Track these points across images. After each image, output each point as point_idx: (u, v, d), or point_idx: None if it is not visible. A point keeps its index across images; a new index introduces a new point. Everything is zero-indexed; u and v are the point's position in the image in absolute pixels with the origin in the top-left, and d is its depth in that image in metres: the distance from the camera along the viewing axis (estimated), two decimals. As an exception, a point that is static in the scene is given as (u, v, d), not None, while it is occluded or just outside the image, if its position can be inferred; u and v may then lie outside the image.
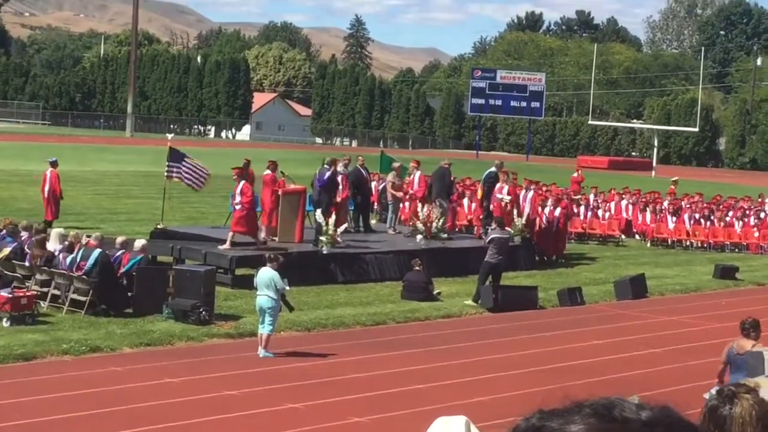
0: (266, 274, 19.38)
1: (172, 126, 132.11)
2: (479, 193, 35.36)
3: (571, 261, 35.42)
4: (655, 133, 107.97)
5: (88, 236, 23.90)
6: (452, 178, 35.27)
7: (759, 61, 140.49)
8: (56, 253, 23.36)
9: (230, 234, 27.06)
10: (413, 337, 22.16)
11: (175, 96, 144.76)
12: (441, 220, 31.72)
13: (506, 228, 28.18)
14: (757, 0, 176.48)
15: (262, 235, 29.20)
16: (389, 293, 26.76)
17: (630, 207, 44.23)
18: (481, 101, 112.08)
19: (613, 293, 29.05)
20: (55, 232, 24.98)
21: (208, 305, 22.07)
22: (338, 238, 28.28)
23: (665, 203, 44.53)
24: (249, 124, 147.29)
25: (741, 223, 42.60)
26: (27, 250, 23.83)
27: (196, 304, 21.74)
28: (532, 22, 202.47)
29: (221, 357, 19.35)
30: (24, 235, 24.73)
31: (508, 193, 32.99)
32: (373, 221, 34.34)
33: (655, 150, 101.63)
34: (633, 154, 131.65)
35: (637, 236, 43.27)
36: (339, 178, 30.30)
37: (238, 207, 27.16)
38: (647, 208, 43.70)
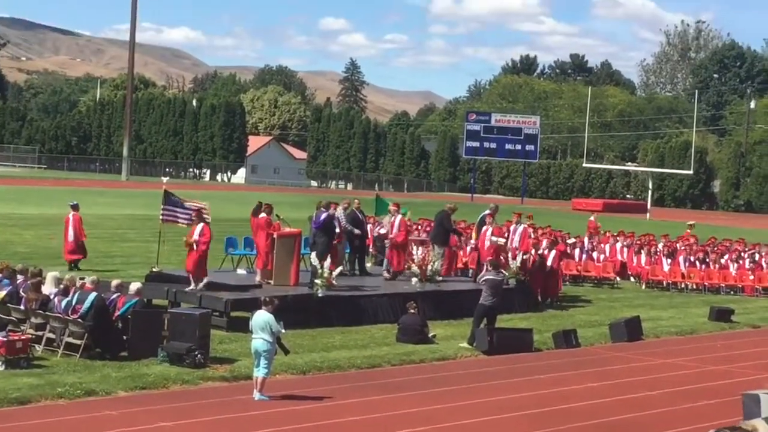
0: (261, 317, 19.38)
1: (167, 169, 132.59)
2: (473, 235, 35.40)
3: (565, 303, 35.41)
4: (649, 175, 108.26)
5: (82, 279, 23.90)
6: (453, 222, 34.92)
7: (752, 104, 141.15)
8: (51, 297, 23.33)
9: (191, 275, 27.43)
10: (408, 380, 22.13)
11: (170, 139, 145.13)
12: (437, 263, 31.73)
13: (501, 270, 28.20)
14: (750, 44, 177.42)
15: (257, 278, 29.23)
16: (384, 336, 26.74)
17: (625, 249, 44.31)
18: (476, 144, 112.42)
19: (608, 335, 29.03)
20: (50, 275, 24.95)
21: (203, 348, 22.04)
22: (333, 281, 28.29)
23: (660, 245, 44.62)
24: (244, 167, 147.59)
25: (736, 265, 42.66)
26: (22, 294, 23.80)
27: (191, 347, 21.72)
28: (527, 65, 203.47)
29: (216, 400, 19.31)
30: (19, 278, 24.73)
31: (493, 235, 33.05)
32: (368, 264, 34.33)
33: (650, 192, 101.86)
34: (628, 196, 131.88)
35: (632, 278, 43.33)
36: (336, 221, 30.27)
37: (195, 247, 27.40)
38: (642, 251, 43.78)
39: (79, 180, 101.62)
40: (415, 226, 37.95)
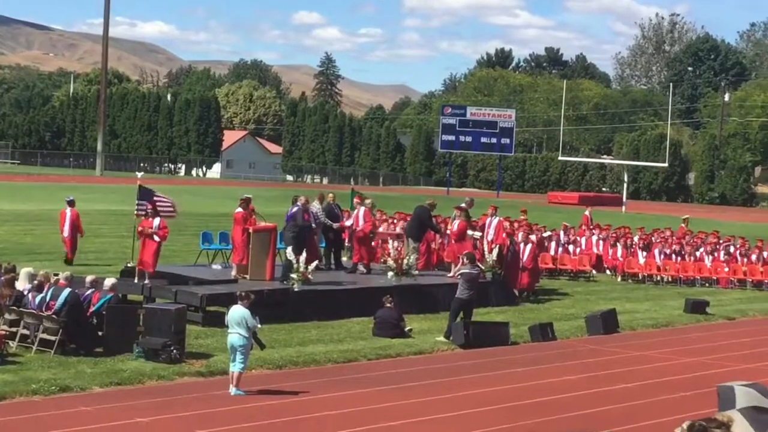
0: (237, 312, 19.32)
1: (142, 164, 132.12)
2: (449, 229, 35.37)
3: (542, 297, 35.46)
4: (624, 168, 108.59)
5: (56, 275, 23.76)
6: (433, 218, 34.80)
7: (726, 97, 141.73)
8: (25, 293, 23.20)
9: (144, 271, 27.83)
10: (385, 374, 22.10)
11: (145, 134, 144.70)
12: (412, 257, 31.71)
13: (477, 263, 28.18)
14: (724, 36, 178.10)
15: (233, 272, 29.17)
16: (360, 330, 26.71)
17: (601, 242, 44.41)
18: (452, 138, 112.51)
19: (585, 328, 29.07)
20: (24, 271, 24.80)
21: (179, 344, 21.95)
22: (309, 276, 28.21)
23: (635, 238, 44.74)
24: (219, 162, 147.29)
25: (711, 257, 42.81)
26: (-5, 290, 23.64)
27: (167, 343, 21.63)
28: (502, 58, 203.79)
29: (192, 395, 19.24)
30: (-7, 274, 24.55)
31: (469, 228, 33.08)
32: (344, 258, 34.29)
33: (625, 185, 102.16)
34: (603, 189, 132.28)
35: (608, 271, 43.42)
36: (312, 216, 30.16)
37: (155, 239, 27.70)
38: (618, 243, 43.88)
39: (53, 175, 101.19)
40: (390, 220, 37.88)
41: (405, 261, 31.27)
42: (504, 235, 34.71)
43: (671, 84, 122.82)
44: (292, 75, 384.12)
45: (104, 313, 22.52)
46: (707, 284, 41.87)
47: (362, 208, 33.06)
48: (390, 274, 31.08)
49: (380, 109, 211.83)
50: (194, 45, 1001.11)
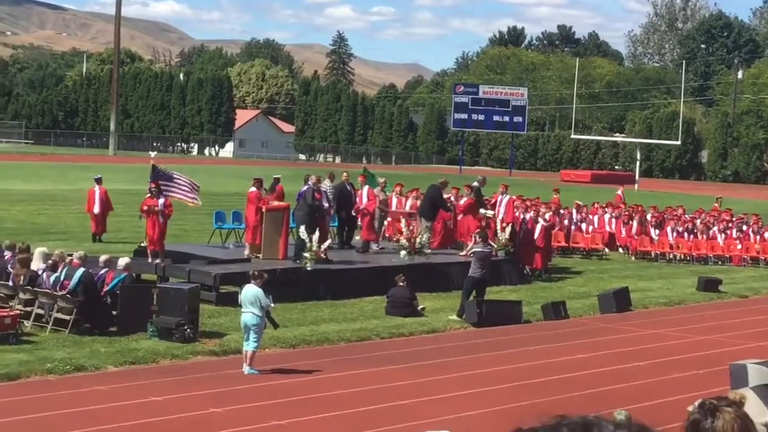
0: (251, 291, 19.37)
1: (155, 144, 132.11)
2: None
3: (554, 275, 35.46)
4: (637, 146, 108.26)
5: (70, 255, 23.85)
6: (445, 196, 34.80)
7: (740, 74, 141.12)
8: (40, 273, 23.30)
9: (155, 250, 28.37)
10: (398, 353, 22.15)
11: (157, 114, 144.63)
12: (425, 236, 31.72)
13: (489, 242, 28.20)
14: (737, 13, 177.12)
15: (246, 251, 29.24)
16: (373, 309, 26.76)
17: (613, 221, 44.32)
18: (464, 116, 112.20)
19: (597, 307, 29.09)
20: (38, 251, 24.91)
21: (193, 323, 22.04)
22: (323, 254, 28.25)
23: (648, 216, 44.64)
24: (232, 141, 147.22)
25: (724, 235, 42.72)
26: (10, 270, 23.76)
27: (181, 322, 21.71)
28: (514, 36, 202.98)
29: (206, 374, 19.32)
30: (7, 254, 24.68)
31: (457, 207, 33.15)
32: (357, 237, 34.32)
33: (638, 163, 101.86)
34: (616, 167, 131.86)
35: (620, 249, 43.37)
36: (323, 195, 30.21)
37: (161, 220, 28.04)
38: (632, 220, 43.69)
39: (66, 155, 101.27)
40: (405, 198, 37.94)
41: (418, 240, 31.28)
42: (516, 213, 34.71)
43: (684, 61, 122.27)
44: (304, 54, 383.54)
45: (118, 292, 22.62)
46: (720, 262, 41.81)
47: (366, 187, 33.16)
48: (402, 252, 31.09)
49: (392, 88, 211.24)
50: (206, 24, 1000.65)
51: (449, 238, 35.04)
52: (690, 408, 5.42)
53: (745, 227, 43.84)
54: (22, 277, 23.26)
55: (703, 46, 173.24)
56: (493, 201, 35.54)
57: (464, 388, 19.08)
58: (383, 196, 34.08)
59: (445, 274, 30.70)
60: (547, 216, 36.47)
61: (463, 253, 31.21)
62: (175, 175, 30.56)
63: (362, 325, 24.82)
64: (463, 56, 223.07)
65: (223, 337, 22.26)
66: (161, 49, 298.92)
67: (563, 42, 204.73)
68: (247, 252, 29.22)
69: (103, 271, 23.16)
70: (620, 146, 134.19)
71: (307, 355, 21.56)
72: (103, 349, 20.65)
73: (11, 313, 21.43)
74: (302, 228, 28.23)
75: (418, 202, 34.93)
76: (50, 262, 23.55)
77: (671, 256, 41.97)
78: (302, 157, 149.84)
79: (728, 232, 43.07)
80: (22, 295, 22.98)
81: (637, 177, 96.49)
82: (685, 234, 42.49)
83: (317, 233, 28.27)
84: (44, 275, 23.01)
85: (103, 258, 24.00)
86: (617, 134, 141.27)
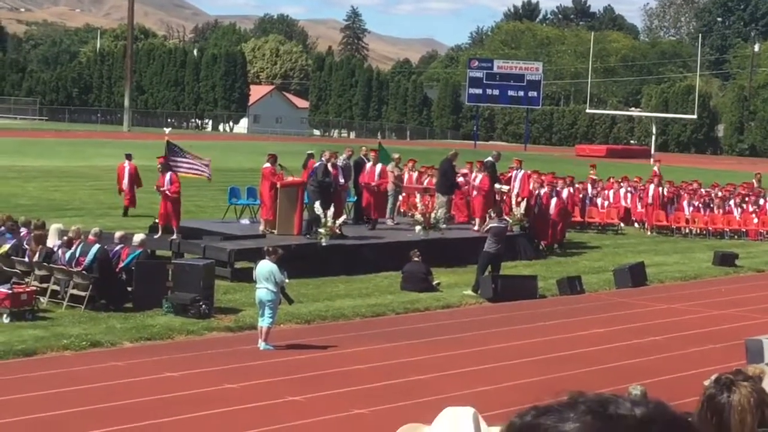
0: (265, 267, 19.37)
1: (169, 120, 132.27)
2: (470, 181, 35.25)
3: (570, 250, 35.38)
4: (653, 120, 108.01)
5: (86, 231, 23.89)
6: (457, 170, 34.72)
7: (756, 47, 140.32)
8: (55, 249, 23.35)
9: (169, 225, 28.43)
10: (413, 328, 22.16)
11: (172, 90, 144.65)
12: (440, 211, 31.67)
13: (504, 217, 28.15)
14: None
15: (261, 227, 29.25)
16: (388, 284, 26.76)
17: (629, 195, 44.13)
18: (479, 91, 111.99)
19: (613, 281, 29.03)
20: (53, 227, 24.97)
21: (208, 299, 22.07)
22: (337, 230, 28.23)
23: (664, 190, 44.27)
24: (246, 117, 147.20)
25: (740, 209, 42.54)
26: (26, 246, 23.81)
27: (196, 298, 21.74)
28: (529, 11, 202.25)
29: (221, 350, 19.35)
30: (23, 231, 24.72)
31: (481, 182, 33.01)
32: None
33: (653, 138, 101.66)
34: (631, 142, 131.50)
35: (636, 224, 43.21)
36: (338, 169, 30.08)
37: (168, 195, 28.29)
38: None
39: (81, 131, 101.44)
40: (419, 174, 37.90)
41: (433, 215, 31.23)
42: (531, 187, 34.64)
43: (700, 35, 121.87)
44: (318, 29, 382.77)
45: (133, 268, 22.66)
46: (736, 236, 41.67)
47: (379, 165, 32.97)
48: (417, 228, 31.05)
49: (407, 63, 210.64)
50: (220, 0, 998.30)
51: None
52: (706, 382, 5.38)
53: (762, 201, 43.61)
54: (37, 254, 23.31)
55: (719, 19, 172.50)
56: (507, 177, 35.46)
57: (480, 363, 19.09)
58: (398, 171, 34.02)
59: (460, 249, 30.66)
60: (564, 192, 36.32)
61: (477, 228, 31.19)
62: (188, 154, 30.55)
63: (377, 300, 24.83)
64: (477, 31, 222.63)
65: (238, 313, 22.29)
66: (175, 24, 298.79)
67: (578, 16, 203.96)
68: (262, 228, 29.23)
69: (118, 248, 23.20)
70: (636, 120, 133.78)
71: (322, 330, 21.58)
72: (118, 325, 20.71)
73: (27, 290, 21.50)
74: (317, 204, 28.15)
75: (434, 180, 34.88)
76: (65, 238, 23.59)
77: (687, 231, 41.84)
78: (317, 132, 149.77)
79: (744, 206, 42.87)
80: (37, 272, 23.03)
81: (652, 151, 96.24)
82: (701, 208, 42.31)
83: (332, 209, 28.23)
84: (59, 251, 23.06)
85: (118, 234, 24.03)
86: (633, 108, 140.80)
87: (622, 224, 42.08)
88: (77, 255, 22.55)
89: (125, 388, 16.45)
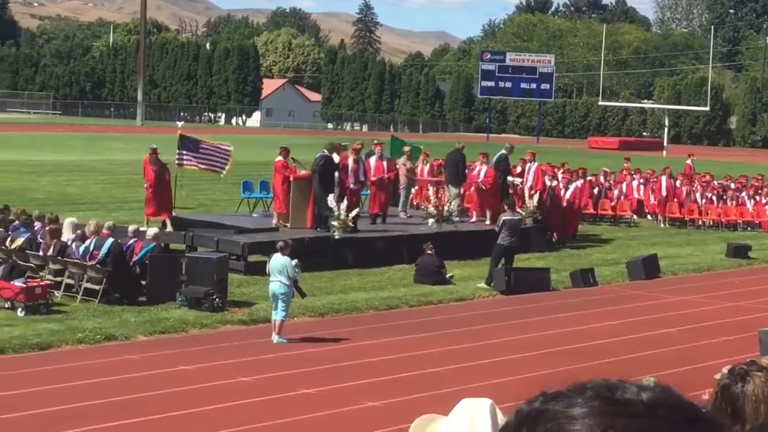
0: (279, 261, 19.41)
1: (182, 114, 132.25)
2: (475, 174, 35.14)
3: (583, 242, 35.35)
4: (665, 112, 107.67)
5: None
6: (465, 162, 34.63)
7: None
8: (69, 243, 23.41)
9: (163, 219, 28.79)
10: (426, 321, 22.19)
11: (184, 84, 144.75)
12: (453, 203, 31.66)
13: (517, 210, 28.15)
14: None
15: (274, 221, 29.29)
16: (402, 277, 26.78)
17: (641, 187, 44.02)
18: (491, 84, 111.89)
19: (626, 274, 29.02)
20: (67, 221, 25.03)
21: (221, 292, 22.12)
22: (350, 223, 28.22)
23: (677, 182, 44.20)
24: (259, 111, 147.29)
25: (753, 201, 42.45)
26: (40, 240, 23.89)
27: (209, 292, 21.79)
28: (541, 3, 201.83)
29: (235, 343, 19.40)
30: (37, 225, 24.80)
31: (486, 175, 32.88)
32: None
33: (666, 130, 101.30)
34: (644, 134, 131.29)
35: (648, 216, 43.12)
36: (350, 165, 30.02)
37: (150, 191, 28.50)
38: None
39: (94, 125, 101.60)
40: (430, 166, 37.87)
41: (445, 207, 31.23)
42: (544, 179, 34.62)
43: (713, 27, 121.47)
44: (330, 22, 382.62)
45: (147, 262, 22.72)
46: (749, 228, 41.59)
47: (373, 157, 32.66)
48: (430, 220, 31.06)
49: (419, 56, 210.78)
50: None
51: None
52: (717, 376, 5.41)
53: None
54: (51, 248, 23.38)
55: (731, 10, 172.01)
56: (519, 169, 35.41)
57: (493, 356, 19.10)
58: (410, 164, 34.01)
59: (473, 241, 30.66)
60: (577, 184, 36.24)
61: (488, 222, 31.20)
62: (202, 146, 30.59)
63: (391, 293, 24.86)
64: (489, 24, 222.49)
65: (252, 306, 22.33)
66: (188, 18, 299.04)
67: (590, 8, 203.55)
68: (275, 221, 29.26)
69: (131, 241, 23.27)
70: (648, 113, 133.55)
71: (336, 323, 21.62)
72: (132, 319, 20.77)
73: (42, 284, 21.57)
74: (330, 197, 28.11)
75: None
76: (79, 232, 23.65)
77: (700, 223, 41.78)
78: (329, 126, 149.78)
79: (758, 198, 42.78)
80: (52, 266, 23.11)
81: (665, 143, 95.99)
82: (714, 200, 42.24)
83: (345, 202, 28.24)
84: (74, 245, 23.12)
85: (131, 228, 24.10)
86: (645, 101, 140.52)
87: (635, 216, 42.02)
88: (91, 249, 22.62)
89: (139, 382, 16.51)
